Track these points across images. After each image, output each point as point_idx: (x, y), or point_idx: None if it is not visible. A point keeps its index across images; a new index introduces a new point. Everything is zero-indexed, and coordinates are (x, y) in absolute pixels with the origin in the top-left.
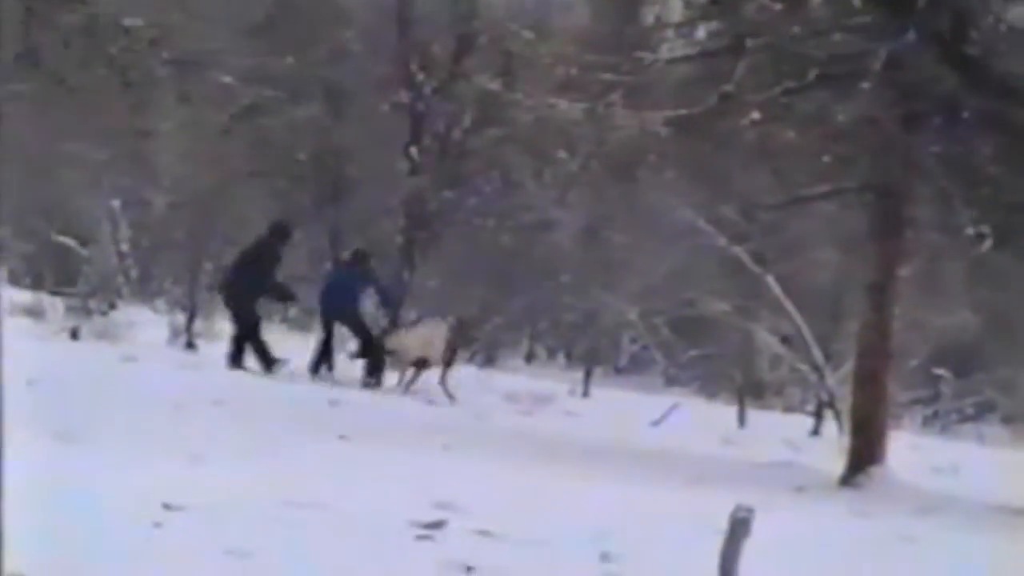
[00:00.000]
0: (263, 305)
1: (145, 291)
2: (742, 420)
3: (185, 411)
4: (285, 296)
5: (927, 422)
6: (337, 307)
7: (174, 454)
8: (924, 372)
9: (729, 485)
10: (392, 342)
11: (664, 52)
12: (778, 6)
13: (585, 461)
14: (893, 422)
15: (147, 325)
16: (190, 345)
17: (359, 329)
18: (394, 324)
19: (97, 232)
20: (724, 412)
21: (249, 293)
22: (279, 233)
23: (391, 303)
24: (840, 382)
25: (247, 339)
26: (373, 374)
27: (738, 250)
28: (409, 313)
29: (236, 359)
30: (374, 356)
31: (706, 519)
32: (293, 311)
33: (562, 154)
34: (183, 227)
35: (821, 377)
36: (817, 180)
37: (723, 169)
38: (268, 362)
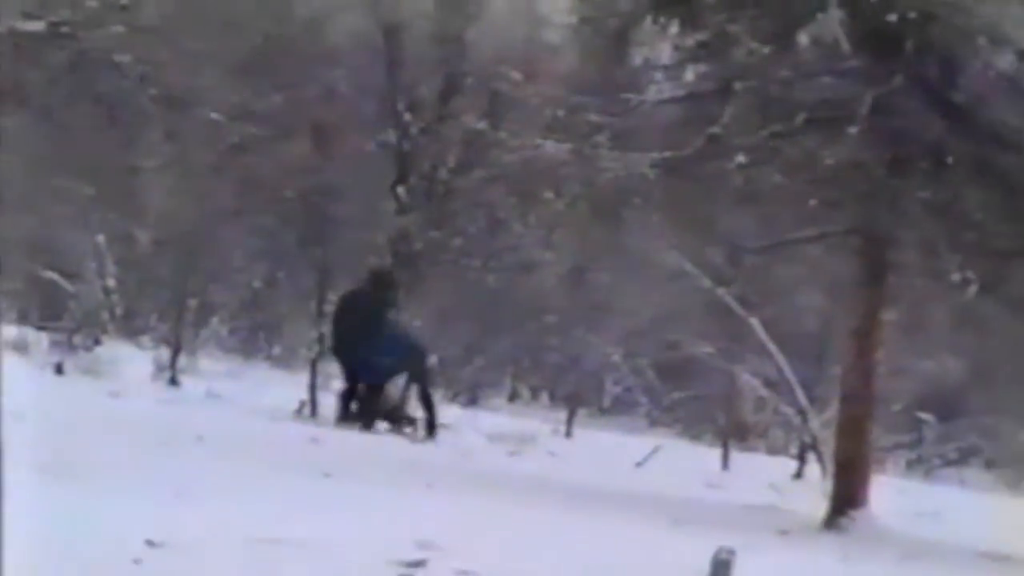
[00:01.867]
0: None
1: (130, 327)
2: (726, 462)
3: (169, 447)
4: None
5: (910, 466)
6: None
7: (157, 490)
8: (908, 416)
9: (712, 527)
10: None
11: (651, 94)
12: (766, 50)
13: (568, 502)
14: (876, 466)
15: (132, 361)
16: (174, 382)
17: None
18: None
19: (83, 267)
20: (708, 454)
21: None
22: (387, 281)
23: None
24: (824, 425)
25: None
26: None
27: (723, 293)
28: None
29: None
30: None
31: (689, 560)
32: (277, 349)
33: (548, 195)
34: (169, 264)
35: (805, 420)
36: (803, 224)
37: (709, 212)
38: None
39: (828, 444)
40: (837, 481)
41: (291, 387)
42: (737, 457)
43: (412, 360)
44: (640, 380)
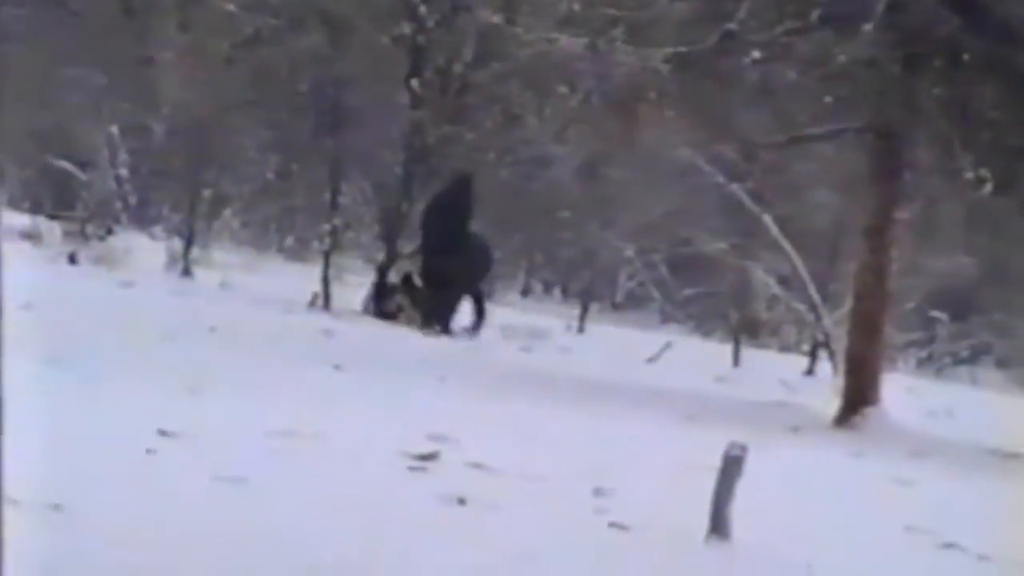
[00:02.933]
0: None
1: (143, 217)
2: (737, 359)
3: (181, 338)
4: None
5: (922, 364)
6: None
7: (169, 381)
8: (920, 315)
9: (723, 423)
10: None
11: None
12: None
13: (579, 397)
14: (888, 364)
15: (144, 251)
16: (187, 272)
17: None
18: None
19: (96, 157)
20: (719, 350)
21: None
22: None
23: None
24: (836, 323)
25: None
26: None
27: (737, 189)
28: (407, 246)
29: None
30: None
31: (700, 456)
32: (290, 241)
33: (562, 89)
34: (182, 154)
35: (817, 317)
36: (817, 121)
37: (723, 108)
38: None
39: (840, 341)
40: (849, 378)
41: (304, 279)
42: (748, 354)
43: (481, 267)
44: (653, 276)
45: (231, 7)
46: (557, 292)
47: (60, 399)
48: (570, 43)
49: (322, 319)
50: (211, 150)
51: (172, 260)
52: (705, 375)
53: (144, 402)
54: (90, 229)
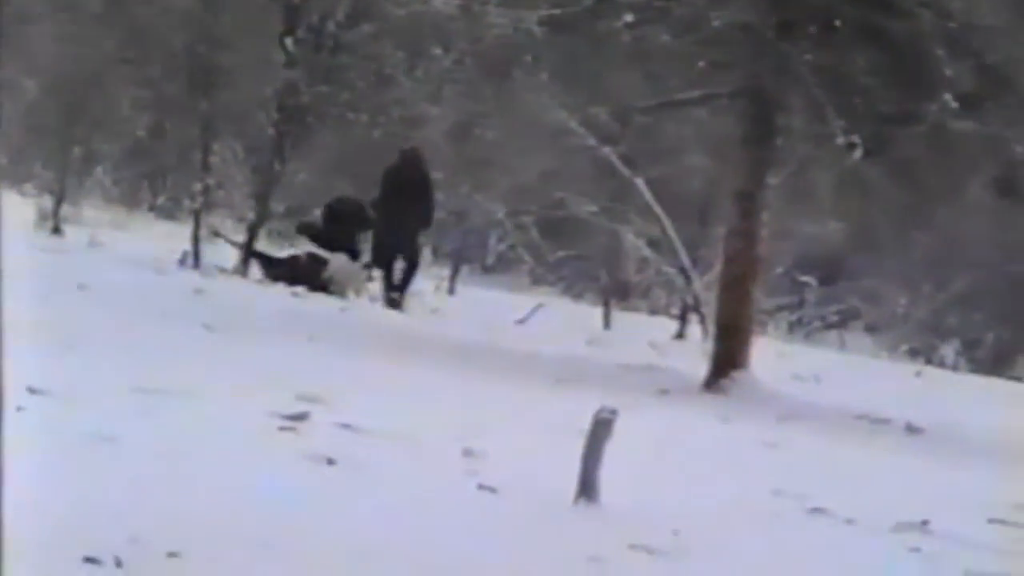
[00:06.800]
0: None
1: (15, 175)
2: (607, 322)
3: (51, 296)
4: None
5: (792, 329)
6: None
7: (38, 338)
8: (790, 279)
9: (593, 386)
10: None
11: None
12: None
13: (450, 359)
14: (758, 328)
15: (15, 208)
16: (57, 230)
17: None
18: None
19: None
20: (590, 313)
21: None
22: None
23: None
24: (706, 287)
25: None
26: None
27: (609, 152)
28: (278, 206)
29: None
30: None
31: (569, 419)
32: (161, 199)
33: (436, 50)
34: (55, 112)
35: (688, 281)
36: (691, 85)
37: (597, 71)
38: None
39: (710, 305)
40: (718, 342)
41: (175, 238)
42: (619, 317)
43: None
44: (524, 238)
45: None
46: (428, 253)
47: None
48: (443, 4)
49: (192, 278)
50: (84, 108)
51: (42, 217)
52: (575, 337)
53: (13, 359)
54: None
